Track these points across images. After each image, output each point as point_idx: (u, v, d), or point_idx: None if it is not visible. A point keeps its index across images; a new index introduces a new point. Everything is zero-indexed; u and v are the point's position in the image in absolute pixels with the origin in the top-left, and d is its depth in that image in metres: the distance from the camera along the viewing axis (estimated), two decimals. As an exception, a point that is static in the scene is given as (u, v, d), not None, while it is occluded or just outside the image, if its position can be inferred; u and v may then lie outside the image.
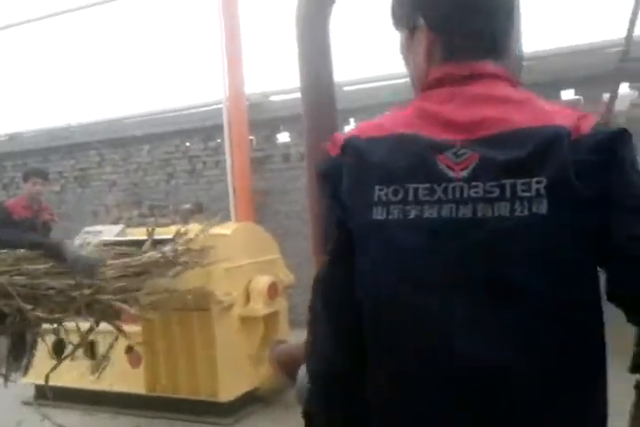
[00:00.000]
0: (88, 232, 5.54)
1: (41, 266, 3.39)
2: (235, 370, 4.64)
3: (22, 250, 3.37)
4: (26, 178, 6.87)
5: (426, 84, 1.25)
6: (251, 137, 7.20)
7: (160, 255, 4.06)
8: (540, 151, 1.07)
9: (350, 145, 1.19)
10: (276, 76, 7.16)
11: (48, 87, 9.33)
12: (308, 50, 4.07)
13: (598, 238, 1.08)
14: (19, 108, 9.60)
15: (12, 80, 9.71)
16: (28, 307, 3.03)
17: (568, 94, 6.17)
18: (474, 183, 1.09)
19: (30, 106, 9.42)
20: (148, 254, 4.10)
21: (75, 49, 9.31)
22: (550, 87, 5.80)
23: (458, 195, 1.09)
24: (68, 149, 8.71)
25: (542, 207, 1.05)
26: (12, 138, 9.33)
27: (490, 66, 1.23)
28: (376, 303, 1.15)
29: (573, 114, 1.14)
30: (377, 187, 1.14)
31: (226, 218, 6.90)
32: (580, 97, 6.06)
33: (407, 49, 1.33)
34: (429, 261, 1.10)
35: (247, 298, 4.85)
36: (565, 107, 1.18)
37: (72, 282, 3.42)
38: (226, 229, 4.93)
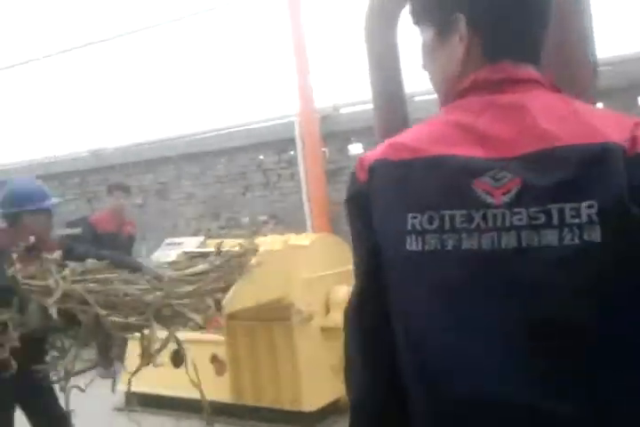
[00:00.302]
0: (169, 244, 5.75)
1: (112, 275, 3.50)
2: (317, 380, 4.73)
3: (90, 261, 3.49)
4: (109, 192, 7.16)
5: (458, 92, 1.15)
6: (323, 149, 7.32)
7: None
8: (589, 172, 0.96)
9: (378, 169, 1.10)
10: (347, 89, 7.25)
11: (128, 105, 9.70)
12: (379, 57, 4.14)
13: None
14: (101, 125, 10.00)
15: (95, 98, 10.13)
16: (104, 313, 3.14)
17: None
18: (516, 209, 0.99)
19: (112, 123, 9.80)
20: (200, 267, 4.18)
21: (152, 66, 9.66)
22: (625, 93, 5.70)
23: (499, 222, 0.99)
24: (147, 163, 9.03)
25: (595, 235, 0.95)
26: (95, 154, 9.71)
27: (531, 70, 1.13)
28: (416, 344, 1.06)
29: (630, 125, 1.01)
30: (410, 214, 1.04)
31: (301, 229, 7.04)
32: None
33: (433, 50, 1.21)
34: (472, 297, 1.00)
35: (327, 308, 4.95)
36: (624, 116, 1.07)
37: (144, 287, 3.52)
38: (304, 240, 5.04)
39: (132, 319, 3.28)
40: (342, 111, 7.55)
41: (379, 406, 1.15)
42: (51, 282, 3.13)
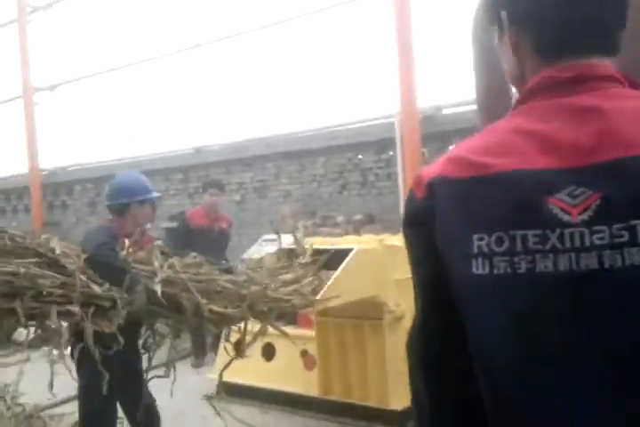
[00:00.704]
0: (266, 240, 5.87)
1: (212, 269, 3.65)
2: (405, 380, 4.69)
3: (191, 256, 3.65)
4: (204, 189, 7.39)
5: (523, 95, 1.07)
6: (423, 149, 7.27)
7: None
8: None
9: (437, 187, 1.01)
10: (449, 90, 7.18)
11: (231, 102, 9.95)
12: (486, 58, 4.08)
13: None
14: (204, 123, 10.31)
15: (197, 96, 10.46)
16: (204, 301, 3.27)
17: None
18: (596, 228, 0.90)
19: (215, 121, 10.09)
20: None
21: (257, 66, 9.87)
22: None
23: (578, 242, 0.90)
24: (247, 161, 9.24)
25: None
26: (198, 151, 10.02)
27: (602, 65, 1.03)
28: (488, 374, 0.98)
29: None
30: (475, 236, 0.96)
31: (397, 230, 7.01)
32: None
33: (499, 51, 1.15)
34: (549, 325, 0.92)
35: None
36: None
37: (241, 279, 3.64)
38: (399, 241, 5.02)
39: (229, 310, 3.38)
40: (444, 112, 7.49)
41: None
42: (156, 266, 3.29)
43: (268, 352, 5.29)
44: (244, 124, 9.57)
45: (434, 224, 1.00)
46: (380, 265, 4.53)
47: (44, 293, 2.89)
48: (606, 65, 1.03)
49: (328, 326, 4.97)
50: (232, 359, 3.85)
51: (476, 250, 0.95)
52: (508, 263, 0.93)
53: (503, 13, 1.07)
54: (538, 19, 1.04)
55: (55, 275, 2.99)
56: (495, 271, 0.94)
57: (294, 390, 5.11)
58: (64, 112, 12.37)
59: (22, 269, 2.85)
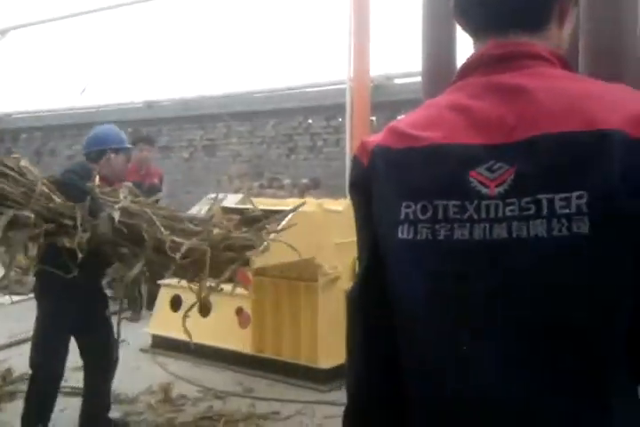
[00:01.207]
0: (210, 199, 5.91)
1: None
2: (335, 340, 4.86)
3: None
4: (134, 144, 7.24)
5: (458, 73, 1.11)
6: (372, 118, 7.35)
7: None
8: (582, 161, 0.92)
9: (378, 155, 1.08)
10: (401, 60, 7.24)
11: (185, 58, 9.83)
12: (433, 31, 4.13)
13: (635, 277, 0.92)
14: (156, 77, 10.18)
15: (152, 50, 10.29)
16: (167, 232, 3.39)
17: None
18: (509, 200, 0.95)
19: (167, 75, 9.98)
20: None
21: (211, 23, 9.75)
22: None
23: (492, 213, 0.96)
24: (199, 119, 9.19)
25: (584, 227, 0.91)
26: (149, 106, 9.91)
27: (531, 43, 1.07)
28: (407, 335, 1.05)
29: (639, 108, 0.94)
30: (403, 203, 1.02)
31: (342, 195, 7.12)
32: None
33: None
34: (459, 289, 0.98)
35: (353, 273, 5.07)
36: (637, 95, 1.00)
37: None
38: (338, 206, 5.13)
39: (189, 242, 3.47)
40: (395, 82, 7.56)
41: (374, 399, 1.14)
42: (121, 197, 3.51)
43: (204, 309, 5.38)
44: (197, 82, 9.50)
45: (372, 191, 1.07)
46: (318, 228, 4.63)
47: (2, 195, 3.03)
48: (535, 43, 1.06)
49: (264, 285, 5.08)
50: (186, 313, 3.91)
51: (403, 217, 1.01)
52: (430, 230, 0.99)
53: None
54: (464, 2, 1.10)
55: (18, 181, 3.13)
56: (418, 237, 1.00)
57: (228, 347, 5.23)
58: (13, 58, 12.04)
59: None
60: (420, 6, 4.09)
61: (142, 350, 5.66)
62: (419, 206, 1.00)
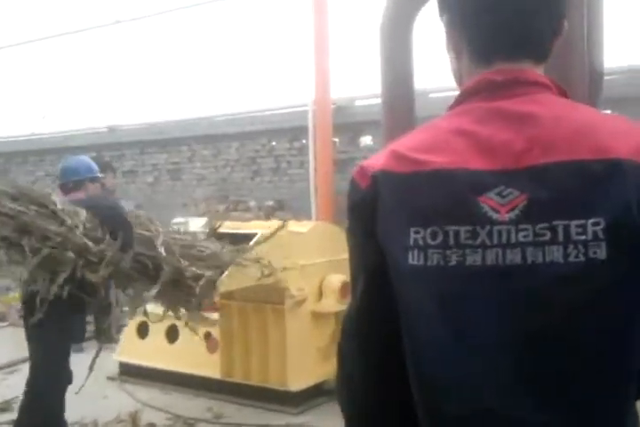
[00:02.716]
0: (176, 223, 5.90)
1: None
2: (304, 362, 4.88)
3: None
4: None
5: (462, 94, 1.13)
6: (335, 139, 7.42)
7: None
8: (597, 188, 0.95)
9: (382, 180, 1.07)
10: (362, 81, 7.33)
11: (148, 82, 9.83)
12: (390, 54, 4.21)
13: None
14: (119, 101, 10.15)
15: (115, 74, 10.27)
16: (186, 263, 3.62)
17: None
18: (522, 226, 0.97)
19: (130, 100, 9.94)
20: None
21: (174, 46, 9.78)
22: (638, 102, 5.75)
23: (504, 239, 0.97)
24: (162, 143, 9.17)
25: (601, 252, 0.94)
26: (111, 130, 9.87)
27: (533, 70, 1.09)
28: (416, 358, 1.06)
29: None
30: (412, 229, 1.02)
31: (307, 217, 7.16)
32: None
33: (445, 48, 1.20)
34: (472, 312, 1.00)
35: (320, 295, 5.09)
36: (633, 124, 1.04)
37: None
38: (303, 228, 5.17)
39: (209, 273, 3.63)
40: (357, 103, 7.64)
41: (381, 423, 1.14)
42: (158, 229, 3.76)
43: (172, 334, 5.35)
44: (161, 106, 9.49)
45: (376, 214, 1.06)
46: (283, 250, 4.66)
47: (47, 236, 3.18)
48: (536, 71, 1.09)
49: (231, 309, 5.08)
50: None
51: (412, 242, 1.01)
52: (441, 256, 0.99)
53: (444, 18, 1.14)
54: (474, 24, 1.10)
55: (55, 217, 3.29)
56: (429, 263, 1.00)
57: (197, 373, 5.20)
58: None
59: (32, 212, 3.16)
60: (379, 30, 4.20)
61: (110, 378, 5.60)
62: (428, 232, 1.01)
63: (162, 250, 3.53)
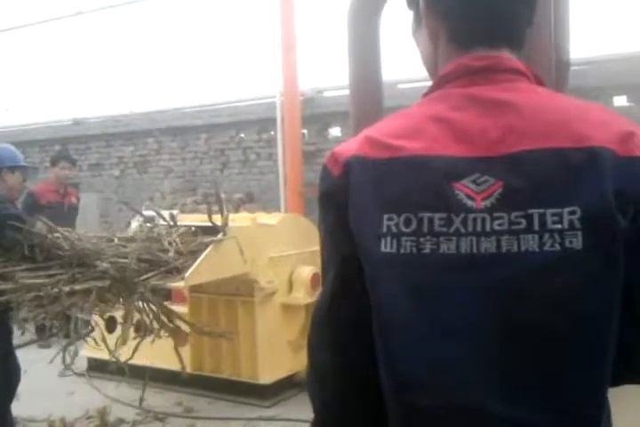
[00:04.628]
0: (145, 216, 5.82)
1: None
2: (274, 355, 4.86)
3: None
4: (54, 163, 7.01)
5: (438, 81, 1.10)
6: (303, 131, 7.39)
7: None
8: (574, 177, 0.93)
9: (355, 166, 1.03)
10: (330, 73, 7.31)
11: (113, 74, 9.69)
12: (357, 44, 4.19)
13: (625, 294, 0.94)
14: (84, 94, 9.99)
15: (79, 66, 10.11)
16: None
17: (620, 101, 6.16)
18: (497, 214, 0.95)
19: (95, 92, 9.80)
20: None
21: (139, 38, 9.64)
22: (601, 92, 5.82)
23: (479, 227, 0.95)
24: (128, 135, 9.06)
25: (577, 242, 0.92)
26: (77, 123, 9.72)
27: (511, 58, 1.07)
28: (388, 347, 1.01)
29: (619, 124, 0.98)
30: (386, 216, 0.99)
31: (276, 208, 7.13)
32: (633, 104, 6.05)
33: (414, 34, 1.18)
34: (446, 302, 0.97)
35: (290, 287, 5.07)
36: (612, 114, 1.02)
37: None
38: (272, 220, 5.14)
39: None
40: (325, 95, 7.62)
41: (353, 414, 1.09)
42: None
43: (140, 329, 5.28)
44: (126, 98, 9.36)
45: (348, 201, 1.02)
46: (252, 243, 4.63)
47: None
48: (514, 58, 1.07)
49: (201, 302, 5.04)
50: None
51: (385, 229, 0.98)
52: (414, 243, 0.97)
53: (419, 3, 1.11)
54: (455, 8, 1.07)
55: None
56: (402, 251, 0.97)
57: (166, 367, 5.14)
58: None
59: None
60: (346, 21, 4.18)
61: (77, 375, 5.52)
62: (402, 219, 0.98)
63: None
